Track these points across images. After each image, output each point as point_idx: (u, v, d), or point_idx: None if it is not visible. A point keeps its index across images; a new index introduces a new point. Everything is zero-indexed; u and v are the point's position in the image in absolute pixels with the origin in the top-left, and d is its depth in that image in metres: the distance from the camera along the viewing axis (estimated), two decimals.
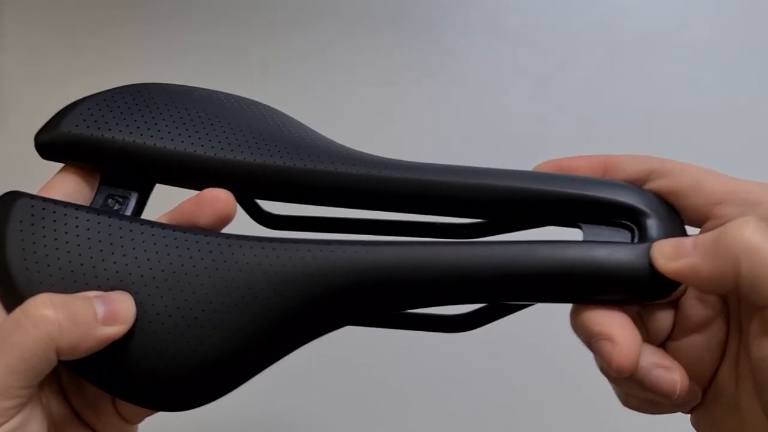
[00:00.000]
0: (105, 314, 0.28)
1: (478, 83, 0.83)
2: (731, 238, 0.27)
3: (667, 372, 0.29)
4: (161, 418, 0.34)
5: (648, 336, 0.32)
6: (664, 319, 0.31)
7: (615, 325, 0.29)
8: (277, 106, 0.37)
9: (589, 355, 0.31)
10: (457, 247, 0.30)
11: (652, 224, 0.30)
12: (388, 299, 0.30)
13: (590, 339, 0.30)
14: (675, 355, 0.31)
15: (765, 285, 0.26)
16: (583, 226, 0.31)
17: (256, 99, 0.37)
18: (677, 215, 0.31)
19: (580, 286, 0.29)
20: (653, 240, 0.30)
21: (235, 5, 0.88)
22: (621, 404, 0.33)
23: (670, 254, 0.29)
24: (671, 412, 0.32)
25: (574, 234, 0.32)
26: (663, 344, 0.32)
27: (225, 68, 0.86)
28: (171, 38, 0.88)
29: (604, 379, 0.32)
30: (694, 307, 0.31)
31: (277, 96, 0.84)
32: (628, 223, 0.31)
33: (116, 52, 0.87)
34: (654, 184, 0.32)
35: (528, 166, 0.33)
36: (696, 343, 0.31)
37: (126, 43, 0.88)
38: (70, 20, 0.89)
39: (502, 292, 0.30)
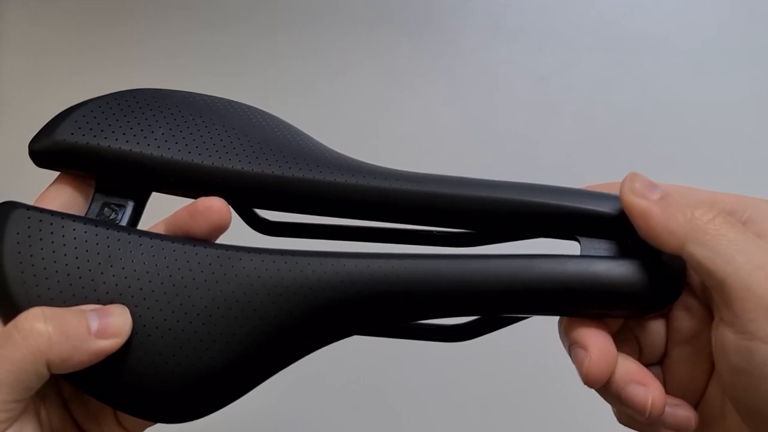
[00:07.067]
0: (99, 328, 0.28)
1: (478, 83, 0.83)
2: (689, 217, 0.28)
3: (641, 388, 0.29)
4: (162, 428, 0.34)
5: (643, 353, 0.32)
6: (656, 333, 0.32)
7: (592, 337, 0.30)
8: (276, 106, 0.37)
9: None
10: (456, 261, 0.30)
11: None
12: (386, 312, 0.30)
13: (569, 346, 0.31)
14: (669, 371, 0.31)
15: (702, 268, 0.27)
16: (580, 239, 0.31)
17: (254, 99, 0.37)
18: None
19: (578, 301, 0.29)
20: (650, 254, 0.30)
21: (236, 5, 0.88)
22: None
23: (636, 190, 0.29)
24: None
25: (571, 246, 0.32)
26: (660, 362, 0.32)
27: (225, 67, 0.86)
28: (170, 38, 0.87)
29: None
30: (682, 318, 0.31)
31: (277, 95, 0.84)
32: (626, 237, 0.31)
33: (115, 51, 0.87)
34: None
35: (527, 165, 0.33)
36: (687, 356, 0.31)
37: (125, 42, 0.88)
38: (69, 19, 0.89)
39: (501, 305, 0.30)
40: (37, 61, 0.88)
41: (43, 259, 0.30)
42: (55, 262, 0.30)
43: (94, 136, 0.32)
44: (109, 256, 0.30)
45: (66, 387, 0.32)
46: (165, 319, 0.30)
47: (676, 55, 0.80)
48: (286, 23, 0.87)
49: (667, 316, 0.32)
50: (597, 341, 0.30)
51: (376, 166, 0.33)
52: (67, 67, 0.87)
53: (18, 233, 0.30)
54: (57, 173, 0.33)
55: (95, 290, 0.30)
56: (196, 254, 0.31)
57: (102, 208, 0.33)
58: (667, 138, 0.78)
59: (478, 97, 0.82)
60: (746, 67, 0.79)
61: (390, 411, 0.74)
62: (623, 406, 0.30)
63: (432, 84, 0.83)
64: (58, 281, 0.30)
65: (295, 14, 0.87)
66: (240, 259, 0.31)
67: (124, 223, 0.33)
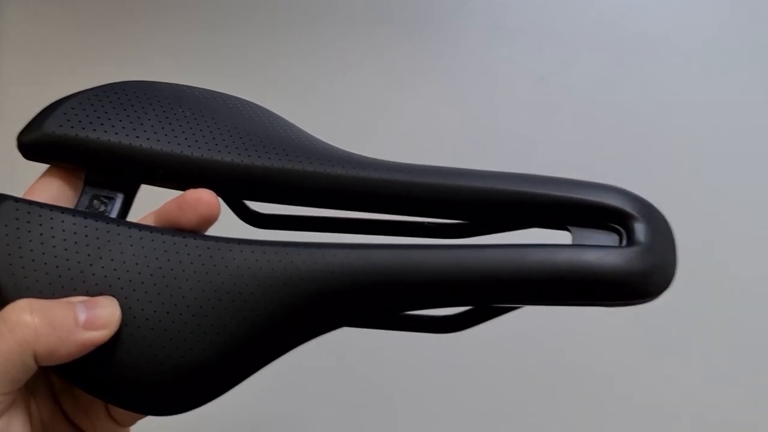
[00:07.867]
0: (87, 319, 0.28)
1: (478, 83, 0.83)
2: None
3: None
4: (153, 420, 0.34)
5: None
6: None
7: None
8: (276, 106, 0.37)
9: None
10: (447, 250, 0.30)
11: (640, 227, 0.30)
12: (377, 303, 0.30)
13: None
14: None
15: None
16: (571, 228, 0.31)
17: (254, 98, 0.36)
18: (664, 218, 0.31)
19: (569, 290, 0.29)
20: (641, 243, 0.29)
21: (236, 5, 0.88)
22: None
23: None
24: None
25: (562, 236, 0.31)
26: None
27: (225, 67, 0.86)
28: (170, 38, 0.87)
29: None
30: None
31: (277, 95, 0.84)
32: (617, 226, 0.30)
33: (115, 51, 0.87)
34: None
35: (527, 166, 0.33)
36: None
37: (125, 42, 0.88)
38: (69, 19, 0.89)
39: (492, 295, 0.30)
40: (37, 61, 0.88)
41: (31, 251, 0.30)
42: (43, 254, 0.30)
43: (83, 128, 0.32)
44: (98, 248, 0.30)
45: (56, 380, 0.32)
46: (155, 311, 0.30)
47: (676, 55, 0.80)
48: (286, 23, 0.87)
49: None
50: None
51: (367, 157, 0.33)
52: (67, 67, 0.87)
53: (6, 225, 0.30)
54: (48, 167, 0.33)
55: (84, 282, 0.30)
56: (186, 246, 0.31)
57: (91, 201, 0.33)
58: (667, 138, 0.78)
59: (478, 97, 0.82)
60: (746, 67, 0.79)
61: (385, 405, 0.74)
62: None
63: (432, 84, 0.83)
64: (47, 273, 0.30)
65: (295, 14, 0.87)
66: (230, 250, 0.31)
67: (113, 215, 0.32)
